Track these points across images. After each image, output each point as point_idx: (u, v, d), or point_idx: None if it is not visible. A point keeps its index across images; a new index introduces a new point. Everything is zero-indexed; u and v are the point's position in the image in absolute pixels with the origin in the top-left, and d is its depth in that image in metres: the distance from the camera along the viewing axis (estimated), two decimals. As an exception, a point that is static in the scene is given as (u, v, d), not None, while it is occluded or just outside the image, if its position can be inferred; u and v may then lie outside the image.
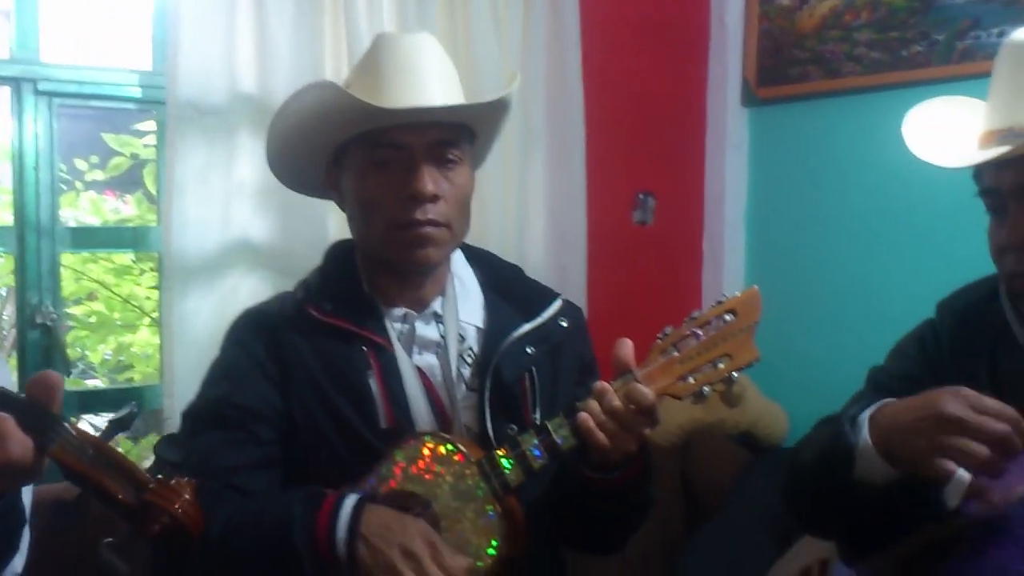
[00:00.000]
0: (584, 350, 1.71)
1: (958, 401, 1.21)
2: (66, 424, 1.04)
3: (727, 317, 1.44)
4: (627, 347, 1.43)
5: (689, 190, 3.22)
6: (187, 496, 1.06)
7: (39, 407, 1.03)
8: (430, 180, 1.52)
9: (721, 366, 1.43)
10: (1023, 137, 1.31)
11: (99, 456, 1.04)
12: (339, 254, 1.69)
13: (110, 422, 1.09)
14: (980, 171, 1.42)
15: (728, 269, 3.19)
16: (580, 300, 2.80)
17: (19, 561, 1.29)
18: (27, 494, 1.28)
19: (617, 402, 1.39)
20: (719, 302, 1.46)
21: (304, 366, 1.55)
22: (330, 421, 1.53)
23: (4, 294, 3.35)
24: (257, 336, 1.59)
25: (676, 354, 1.43)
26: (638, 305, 2.93)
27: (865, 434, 1.32)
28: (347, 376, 1.54)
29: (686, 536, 2.69)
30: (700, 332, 1.44)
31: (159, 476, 1.05)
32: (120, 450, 1.04)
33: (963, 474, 1.18)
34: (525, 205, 2.78)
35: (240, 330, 1.63)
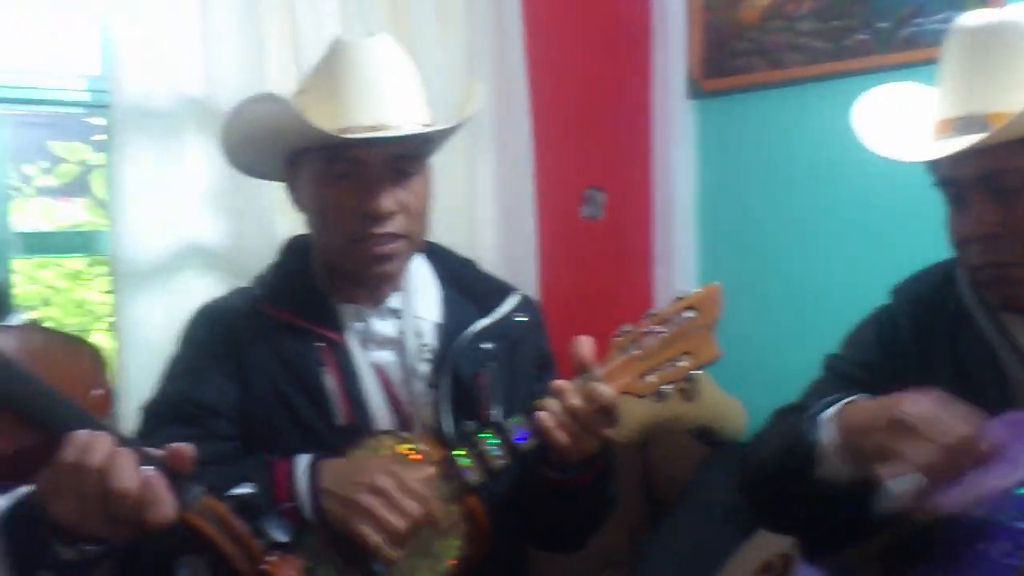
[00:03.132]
0: (542, 345, 1.71)
1: (917, 404, 1.19)
2: (198, 492, 1.11)
3: (687, 314, 1.45)
4: (587, 345, 1.44)
5: (637, 184, 3.24)
6: (296, 572, 1.14)
7: (181, 474, 1.10)
8: (388, 196, 1.51)
9: (681, 364, 1.45)
10: (981, 125, 1.29)
11: (220, 525, 1.11)
12: (294, 249, 1.68)
13: (230, 496, 1.17)
14: (937, 161, 1.37)
15: (679, 262, 3.17)
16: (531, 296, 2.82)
17: None
18: None
19: (577, 401, 1.39)
20: (679, 298, 1.47)
21: (260, 362, 1.54)
22: (287, 418, 1.52)
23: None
24: (213, 331, 1.58)
25: (636, 352, 1.44)
26: (590, 300, 2.93)
27: (827, 432, 1.31)
28: (302, 373, 1.53)
29: (647, 531, 2.71)
30: (660, 329, 1.45)
31: (275, 551, 1.14)
32: (240, 521, 1.13)
33: (900, 480, 1.17)
34: (473, 203, 2.77)
35: (197, 326, 1.62)
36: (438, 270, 1.71)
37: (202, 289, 2.31)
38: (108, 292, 2.99)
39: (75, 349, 1.22)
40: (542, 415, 1.40)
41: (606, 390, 1.39)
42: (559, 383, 1.42)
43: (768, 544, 1.58)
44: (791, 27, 2.93)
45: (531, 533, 1.67)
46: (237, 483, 1.35)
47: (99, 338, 3.27)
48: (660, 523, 2.65)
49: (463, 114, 1.61)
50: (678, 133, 3.20)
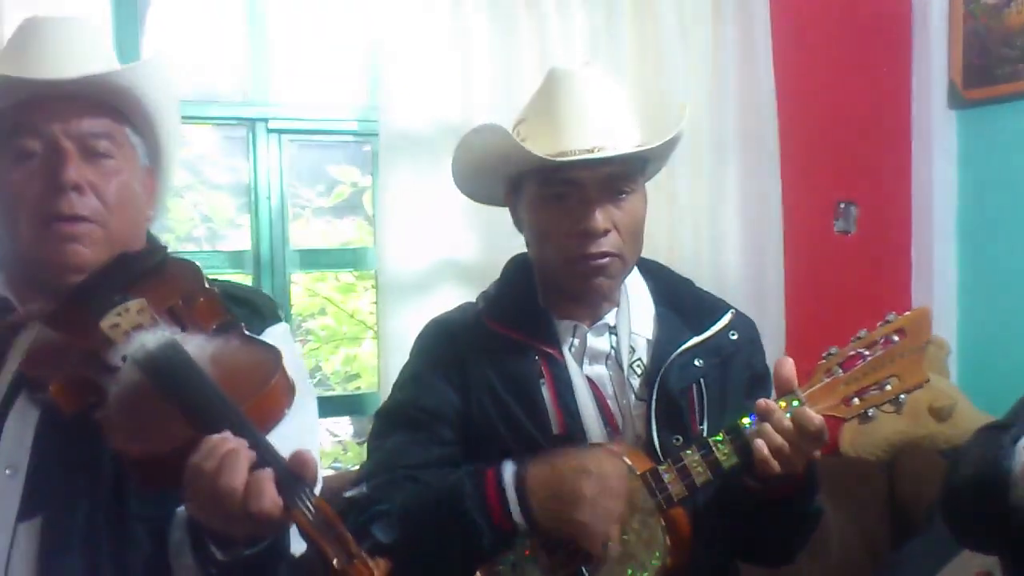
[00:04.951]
0: (755, 363, 1.73)
1: None
2: (309, 493, 1.16)
3: (895, 337, 1.45)
4: (788, 366, 1.46)
5: (894, 198, 3.13)
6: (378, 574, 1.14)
7: (294, 474, 1.16)
8: (602, 216, 1.58)
9: (888, 388, 1.44)
10: None
11: (324, 523, 1.14)
12: (516, 268, 1.78)
13: (342, 498, 1.20)
14: None
15: (938, 280, 3.03)
16: (778, 312, 2.80)
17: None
18: None
19: (787, 423, 1.42)
20: (887, 321, 1.48)
21: (482, 373, 1.65)
22: (506, 426, 1.62)
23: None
24: (441, 344, 1.71)
25: (841, 374, 1.45)
26: (841, 318, 2.83)
27: (1020, 459, 1.30)
28: (521, 384, 1.63)
29: (890, 550, 2.64)
30: (867, 352, 1.45)
31: (364, 551, 1.14)
32: (341, 523, 1.15)
33: None
34: (719, 216, 2.78)
35: (426, 338, 1.75)
36: (653, 287, 1.76)
37: (458, 301, 2.43)
38: (375, 303, 3.28)
39: (257, 353, 1.31)
40: (758, 443, 1.43)
41: (812, 416, 1.41)
42: (766, 403, 1.45)
43: (971, 563, 1.54)
44: (1066, 32, 2.76)
45: (736, 545, 1.69)
46: (454, 494, 1.48)
47: (367, 346, 3.56)
48: (904, 543, 2.58)
49: (669, 134, 1.65)
50: (939, 144, 3.09)
